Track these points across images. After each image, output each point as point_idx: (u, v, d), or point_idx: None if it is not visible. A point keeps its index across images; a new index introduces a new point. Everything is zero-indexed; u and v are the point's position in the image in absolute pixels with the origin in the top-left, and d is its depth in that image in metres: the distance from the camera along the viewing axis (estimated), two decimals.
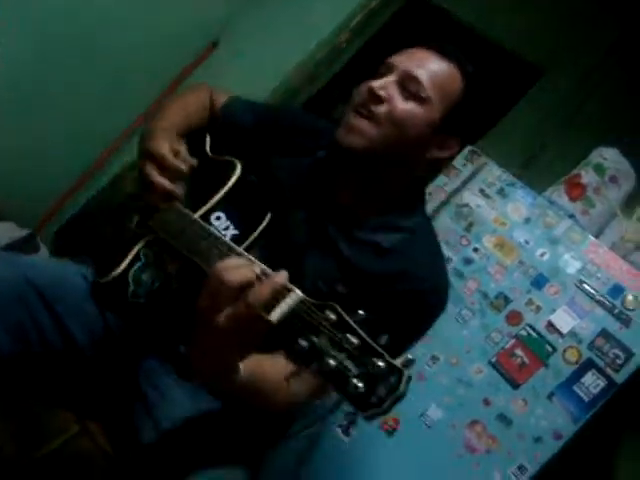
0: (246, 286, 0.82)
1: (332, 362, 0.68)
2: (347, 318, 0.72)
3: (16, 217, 2.69)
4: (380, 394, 0.66)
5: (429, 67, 1.16)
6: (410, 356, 0.69)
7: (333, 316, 0.73)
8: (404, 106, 1.15)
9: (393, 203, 1.24)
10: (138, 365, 1.29)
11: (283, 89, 2.79)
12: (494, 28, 2.74)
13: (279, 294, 0.79)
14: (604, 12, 2.57)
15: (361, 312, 0.74)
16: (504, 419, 1.91)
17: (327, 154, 1.31)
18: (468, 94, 1.19)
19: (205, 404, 1.21)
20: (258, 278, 0.84)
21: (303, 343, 0.71)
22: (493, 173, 2.20)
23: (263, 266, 0.89)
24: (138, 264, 1.16)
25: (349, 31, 2.83)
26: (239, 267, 0.85)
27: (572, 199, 2.27)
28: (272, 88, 2.74)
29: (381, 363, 0.67)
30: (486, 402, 1.94)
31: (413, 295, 1.17)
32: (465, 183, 2.19)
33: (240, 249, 0.99)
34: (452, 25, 2.83)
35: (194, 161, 1.25)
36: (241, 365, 0.93)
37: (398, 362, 0.67)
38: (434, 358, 2.01)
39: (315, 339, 0.71)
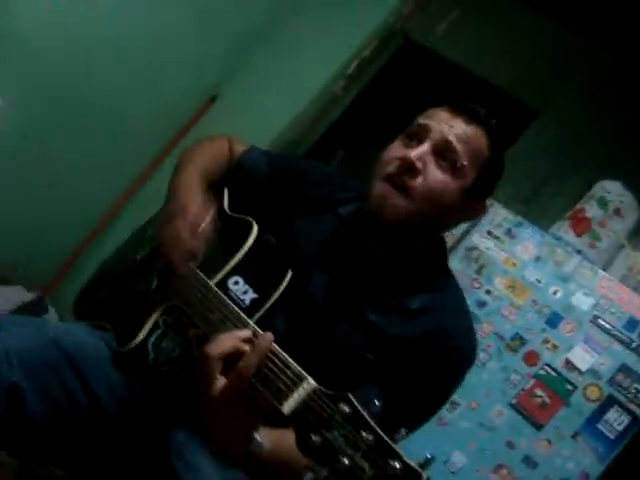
0: (233, 355, 0.84)
1: (346, 462, 0.66)
2: (362, 411, 0.69)
3: (24, 281, 2.69)
4: None
5: (462, 133, 1.14)
6: (429, 455, 0.66)
7: (347, 409, 0.70)
8: (440, 178, 1.13)
9: (419, 265, 1.24)
10: (167, 437, 1.27)
11: (283, 140, 2.82)
12: (488, 70, 2.78)
13: (292, 382, 0.78)
14: (594, 46, 2.61)
15: (377, 403, 0.71)
16: (529, 461, 1.89)
17: (352, 217, 1.29)
18: (494, 152, 1.18)
19: (234, 473, 1.19)
20: (249, 342, 0.86)
21: (316, 439, 0.69)
22: (499, 214, 2.21)
23: (255, 327, 0.91)
24: (157, 332, 1.15)
25: (344, 79, 2.89)
26: (224, 339, 0.88)
27: (578, 234, 2.28)
28: (272, 139, 2.78)
29: (397, 464, 0.64)
30: (510, 445, 1.92)
31: (443, 352, 1.15)
32: (472, 226, 2.21)
33: (249, 320, 0.97)
34: (447, 69, 2.87)
35: (220, 223, 1.25)
36: (263, 440, 0.92)
37: (415, 463, 0.64)
38: (454, 403, 1.99)
39: (328, 435, 0.69)
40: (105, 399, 1.26)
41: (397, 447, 0.65)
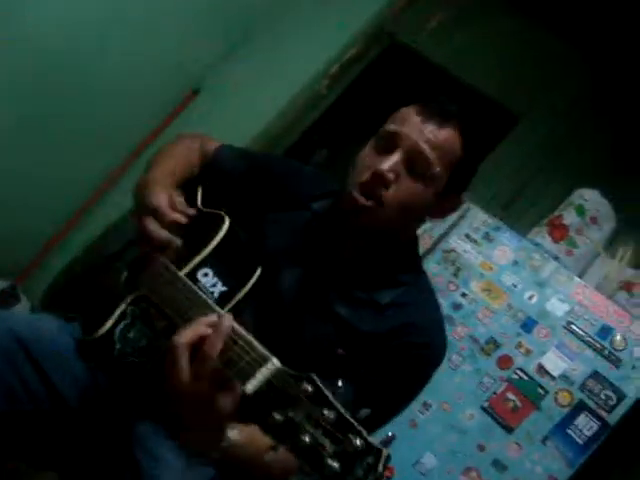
0: (199, 342, 0.84)
1: (307, 439, 0.65)
2: (324, 390, 0.69)
3: None
4: (357, 475, 0.63)
5: (434, 139, 1.13)
6: (390, 433, 0.67)
7: (310, 388, 0.70)
8: (412, 188, 1.14)
9: (390, 260, 1.24)
10: (130, 428, 1.25)
11: (264, 136, 2.81)
12: (471, 74, 2.79)
13: (255, 363, 0.77)
14: (579, 55, 2.63)
15: (340, 383, 0.71)
16: (499, 464, 1.90)
17: (325, 213, 1.30)
18: (467, 151, 1.18)
19: (200, 470, 1.18)
20: (213, 327, 0.85)
21: (278, 417, 0.69)
22: (478, 218, 2.22)
23: (221, 312, 0.91)
24: (124, 322, 1.13)
25: (329, 78, 2.88)
26: (188, 328, 0.87)
27: (555, 240, 2.30)
28: (253, 135, 2.77)
29: (358, 441, 0.64)
30: (480, 448, 1.93)
31: (412, 348, 1.15)
32: (451, 228, 2.21)
33: (216, 307, 0.97)
34: (431, 71, 2.88)
35: (192, 211, 1.23)
36: (229, 433, 0.92)
37: (377, 440, 0.64)
38: (426, 405, 2.00)
39: (290, 413, 0.69)
40: (66, 391, 1.25)
41: (358, 425, 0.65)
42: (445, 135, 1.14)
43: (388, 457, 0.64)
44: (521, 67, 2.74)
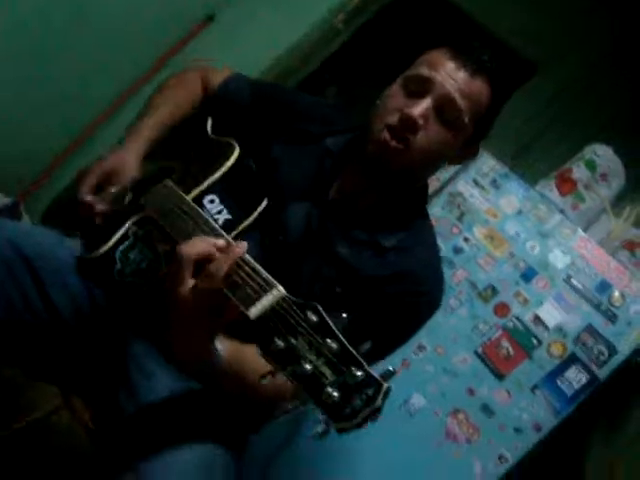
0: (206, 259, 0.85)
1: (308, 366, 0.65)
2: (329, 321, 0.69)
3: (1, 185, 2.64)
4: (355, 406, 0.63)
5: (466, 88, 1.12)
6: (391, 368, 0.66)
7: (314, 317, 0.70)
8: (440, 134, 1.14)
9: (398, 203, 1.24)
10: (125, 346, 1.27)
11: (277, 68, 2.76)
12: (493, 19, 2.73)
13: (261, 289, 0.77)
14: (604, 10, 2.56)
15: (344, 315, 0.71)
16: (487, 409, 1.92)
17: (340, 150, 1.28)
18: (494, 102, 1.17)
19: (190, 387, 1.20)
20: (222, 251, 0.86)
21: (280, 343, 0.69)
22: (487, 163, 2.20)
23: (229, 239, 0.91)
24: (126, 242, 1.13)
25: (346, 12, 2.81)
26: (198, 242, 0.88)
27: (562, 193, 2.28)
28: (266, 66, 2.71)
29: (359, 373, 0.64)
30: (470, 392, 1.95)
31: (410, 296, 1.17)
32: (459, 172, 2.19)
33: (223, 232, 0.96)
34: (451, 13, 2.81)
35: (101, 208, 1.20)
36: (222, 350, 0.93)
37: (377, 373, 0.65)
38: (420, 347, 2.01)
39: (293, 340, 0.69)
40: (63, 305, 1.26)
41: (360, 357, 0.65)
42: (477, 85, 1.13)
43: (388, 391, 0.64)
44: (546, 18, 2.67)
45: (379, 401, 0.63)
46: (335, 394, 0.63)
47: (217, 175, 1.16)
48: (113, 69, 2.65)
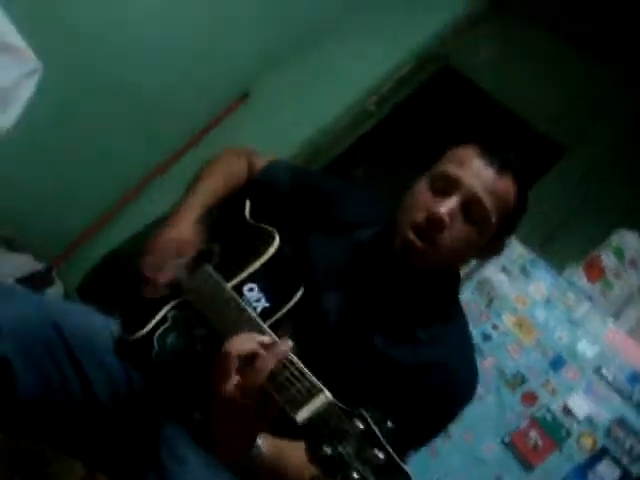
0: (251, 357, 0.86)
1: (356, 475, 0.66)
2: (375, 429, 0.70)
3: (34, 250, 2.69)
4: None
5: (492, 187, 1.13)
6: None
7: (361, 425, 0.71)
8: (466, 233, 1.14)
9: (433, 298, 1.24)
10: (158, 429, 1.27)
11: (308, 147, 2.82)
12: (520, 104, 2.78)
13: (308, 392, 0.78)
14: (631, 93, 2.61)
15: (390, 424, 0.72)
16: None
17: (370, 243, 1.29)
18: (520, 198, 1.18)
19: (221, 470, 1.19)
20: (267, 347, 0.87)
21: (327, 450, 0.70)
22: (516, 250, 2.21)
23: (274, 336, 0.92)
24: (165, 326, 1.14)
25: (379, 95, 2.89)
26: (245, 340, 0.89)
27: (591, 280, 2.28)
28: (295, 146, 2.78)
29: None
30: None
31: (444, 387, 1.16)
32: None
33: (265, 327, 0.98)
34: (479, 98, 2.87)
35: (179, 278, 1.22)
36: (263, 446, 0.93)
37: None
38: (447, 434, 1.98)
39: (340, 448, 0.69)
40: (100, 386, 1.26)
41: (407, 468, 0.66)
42: (504, 184, 1.14)
43: None
44: (571, 100, 2.72)
45: None
46: None
47: (257, 265, 1.17)
48: (147, 144, 2.74)
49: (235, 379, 0.86)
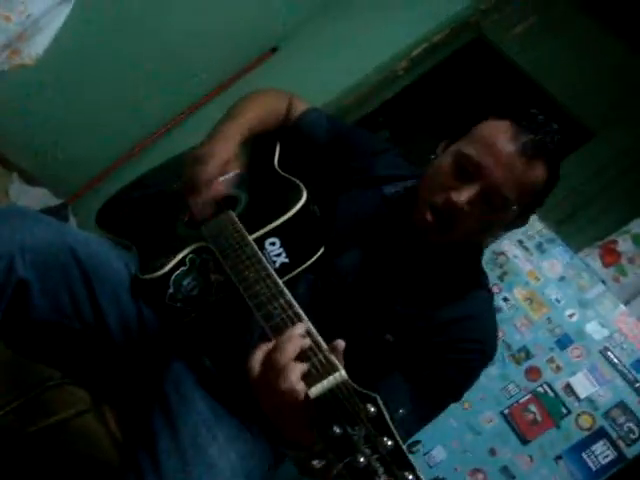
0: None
1: (362, 460, 0.65)
2: (386, 416, 0.69)
3: (50, 185, 2.70)
4: None
5: (522, 179, 1.09)
6: (440, 476, 0.67)
7: (373, 409, 0.70)
8: (484, 218, 1.13)
9: (452, 267, 1.23)
10: (165, 367, 1.27)
11: (333, 106, 2.80)
12: (552, 82, 2.74)
13: (324, 369, 0.76)
14: None
15: (402, 410, 0.73)
16: (507, 472, 1.89)
17: (395, 200, 1.28)
18: (549, 183, 1.14)
19: (226, 417, 1.19)
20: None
21: (337, 430, 0.68)
22: (534, 227, 2.20)
23: (290, 297, 0.91)
24: (182, 269, 1.14)
25: (408, 60, 2.86)
26: (295, 339, 0.83)
27: (605, 264, 2.26)
28: (323, 103, 2.75)
29: (411, 477, 0.64)
30: (492, 452, 1.93)
31: (462, 342, 1.15)
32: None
33: (285, 290, 0.95)
34: (512, 72, 2.83)
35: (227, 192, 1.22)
36: None
37: (425, 478, 0.64)
38: None
39: (350, 430, 0.68)
40: (111, 317, 1.27)
41: (413, 460, 0.65)
42: (534, 173, 1.10)
43: None
44: (604, 84, 2.68)
45: None
46: None
47: (282, 219, 1.15)
48: (176, 88, 2.72)
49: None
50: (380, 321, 1.16)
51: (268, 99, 1.42)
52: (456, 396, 1.21)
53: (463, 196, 1.10)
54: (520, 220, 1.22)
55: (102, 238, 1.38)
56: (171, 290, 1.13)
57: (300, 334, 0.82)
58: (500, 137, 1.10)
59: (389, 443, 0.66)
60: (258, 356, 0.81)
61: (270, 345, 0.83)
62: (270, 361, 0.79)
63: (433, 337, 1.15)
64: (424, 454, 1.94)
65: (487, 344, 1.19)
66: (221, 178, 1.20)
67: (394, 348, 1.14)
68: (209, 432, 1.14)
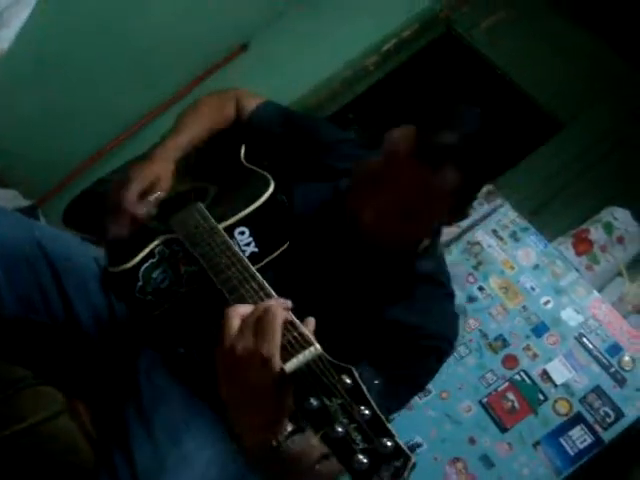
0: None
1: (340, 429, 0.65)
2: (362, 386, 0.69)
3: (20, 187, 2.65)
4: (383, 476, 0.62)
5: (426, 188, 1.06)
6: (419, 440, 0.67)
7: (349, 381, 0.70)
8: (400, 227, 1.12)
9: (388, 271, 1.20)
10: (137, 359, 1.26)
11: (303, 103, 2.79)
12: (521, 75, 2.77)
13: (298, 344, 0.76)
14: (632, 72, 2.60)
15: (377, 382, 0.73)
16: (487, 460, 1.90)
17: (342, 193, 1.25)
18: (468, 180, 1.08)
19: (200, 405, 1.18)
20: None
21: (314, 402, 0.69)
22: (508, 216, 2.22)
23: (261, 279, 0.92)
24: (151, 261, 1.14)
25: (379, 55, 2.86)
26: (285, 306, 0.83)
27: (578, 253, 2.28)
28: (293, 100, 2.74)
29: (390, 443, 0.64)
30: (471, 441, 1.93)
31: (423, 347, 1.14)
32: (479, 221, 2.21)
33: (256, 273, 0.96)
34: (480, 66, 2.85)
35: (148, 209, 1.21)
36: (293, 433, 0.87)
37: (405, 446, 0.64)
38: (425, 390, 1.99)
39: (327, 401, 0.69)
40: (81, 310, 1.26)
41: (391, 427, 0.65)
42: (441, 180, 1.05)
43: (414, 465, 0.64)
44: (574, 77, 2.70)
45: (406, 474, 0.63)
46: (365, 461, 0.63)
47: (251, 209, 1.16)
48: (145, 87, 2.69)
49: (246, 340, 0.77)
50: (337, 310, 1.15)
51: (213, 107, 1.42)
52: (416, 391, 1.22)
53: (369, 209, 1.10)
54: (453, 218, 1.19)
55: (69, 234, 1.37)
56: (140, 283, 1.13)
57: (287, 306, 0.83)
58: (403, 146, 1.07)
59: (366, 412, 0.66)
60: (235, 319, 0.79)
61: (248, 309, 0.81)
62: (259, 323, 0.77)
63: (385, 334, 1.13)
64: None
65: (441, 339, 1.16)
66: (151, 197, 1.20)
67: (355, 332, 1.13)
68: (183, 421, 1.14)
